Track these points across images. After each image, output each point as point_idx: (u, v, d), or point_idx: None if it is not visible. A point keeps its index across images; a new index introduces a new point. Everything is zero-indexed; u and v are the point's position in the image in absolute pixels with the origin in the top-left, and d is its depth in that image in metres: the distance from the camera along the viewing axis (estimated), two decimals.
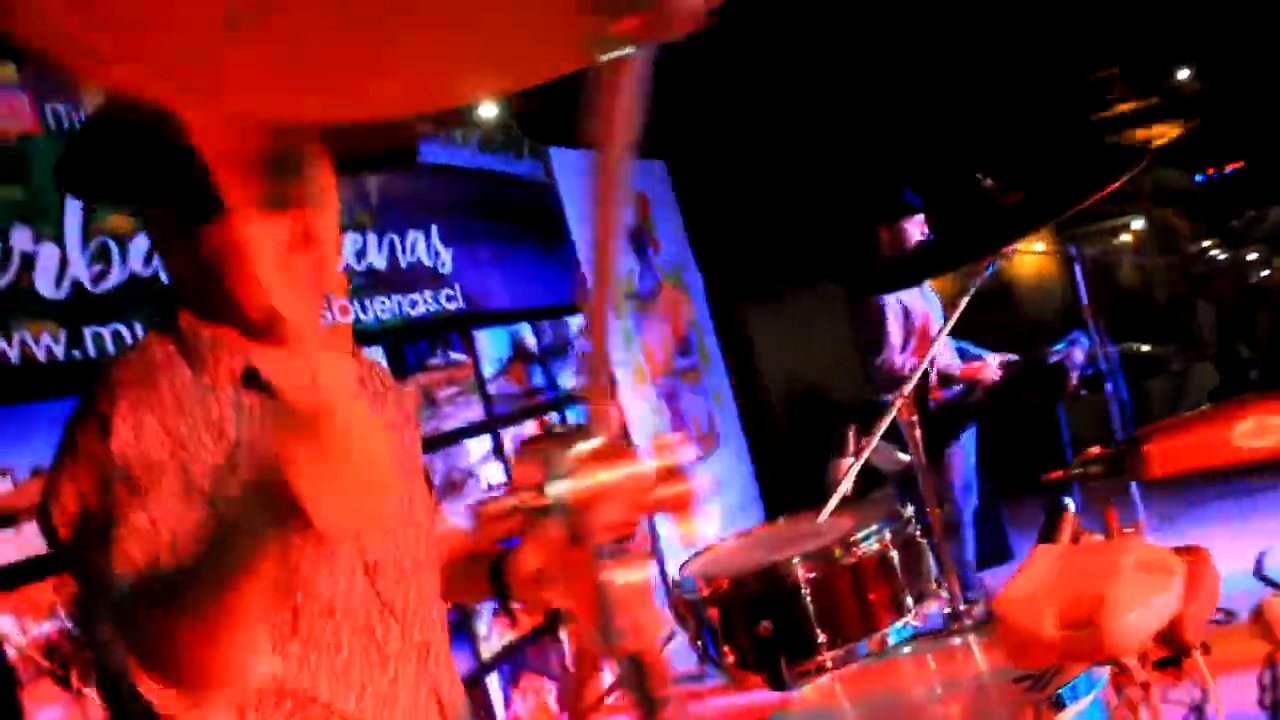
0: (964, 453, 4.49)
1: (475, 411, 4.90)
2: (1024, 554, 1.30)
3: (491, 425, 4.95)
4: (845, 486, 2.02)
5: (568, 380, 5.63)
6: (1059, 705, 1.45)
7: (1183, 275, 11.14)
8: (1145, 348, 8.89)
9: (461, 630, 4.30)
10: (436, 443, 4.57)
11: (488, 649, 4.44)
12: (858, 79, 6.73)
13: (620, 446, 0.60)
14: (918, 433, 2.03)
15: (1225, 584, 1.39)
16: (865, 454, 2.08)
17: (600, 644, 0.60)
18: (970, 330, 4.46)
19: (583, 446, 0.60)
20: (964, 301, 2.05)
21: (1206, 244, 10.84)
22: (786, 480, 6.96)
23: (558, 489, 0.59)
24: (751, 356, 8.27)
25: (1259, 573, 2.87)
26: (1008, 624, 1.07)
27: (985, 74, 7.18)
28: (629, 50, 0.51)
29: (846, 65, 6.57)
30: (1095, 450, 1.52)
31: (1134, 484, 4.33)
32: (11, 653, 2.87)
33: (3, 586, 2.95)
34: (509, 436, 5.05)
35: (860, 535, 2.02)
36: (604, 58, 0.51)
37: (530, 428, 5.20)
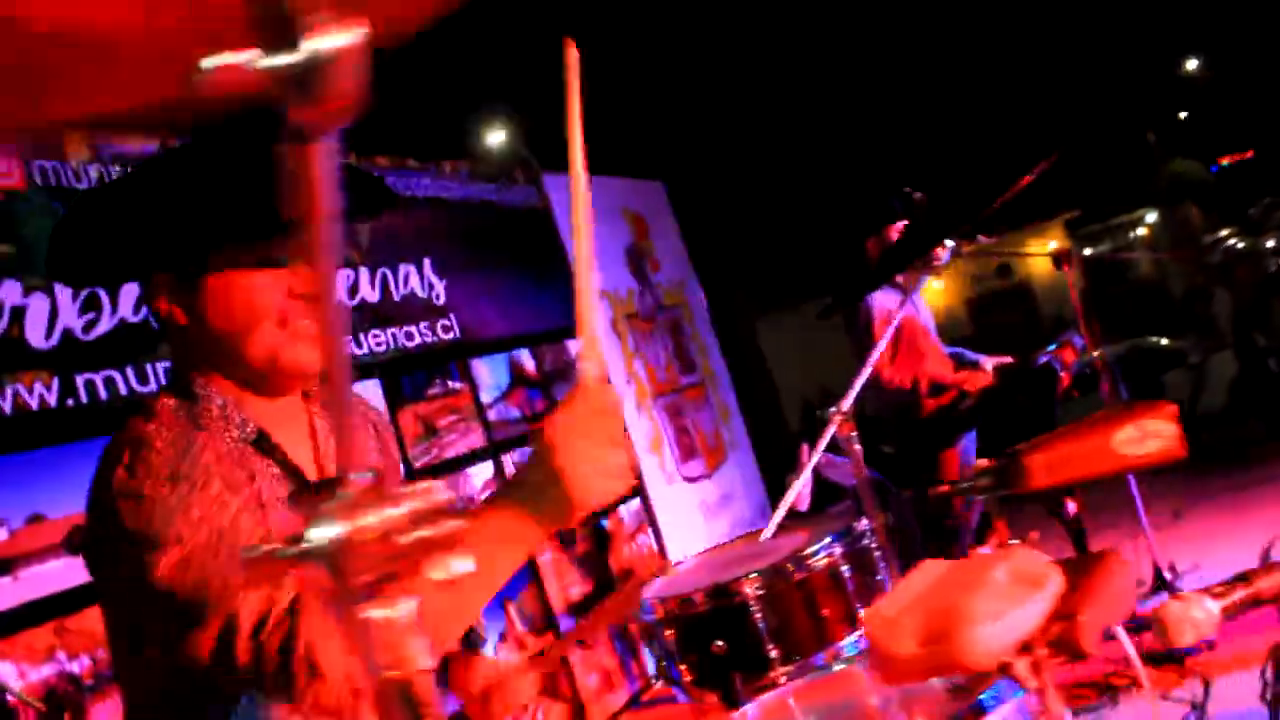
0: (961, 459, 4.48)
1: (476, 439, 4.95)
2: None
3: (493, 451, 5.00)
4: (790, 501, 2.04)
5: None
6: (980, 712, 1.46)
7: (1199, 266, 11.04)
8: (1163, 341, 8.81)
9: None
10: (438, 470, 4.62)
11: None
12: (845, 93, 6.75)
13: (381, 492, 0.64)
14: (857, 447, 2.04)
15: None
16: (808, 470, 2.09)
17: (366, 675, 0.63)
18: (988, 332, 4.46)
19: (341, 494, 0.63)
20: (900, 313, 2.06)
21: (1224, 233, 10.74)
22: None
23: (315, 535, 0.62)
24: (764, 370, 8.28)
25: (1264, 563, 2.85)
26: (873, 641, 1.08)
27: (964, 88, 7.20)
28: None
29: (835, 81, 6.60)
30: (982, 464, 1.53)
31: (1133, 481, 4.31)
32: (9, 698, 2.93)
33: (1, 633, 3.02)
34: (511, 462, 5.10)
35: (810, 550, 2.04)
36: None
37: None
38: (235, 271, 1.36)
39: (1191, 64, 10.66)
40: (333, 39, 0.52)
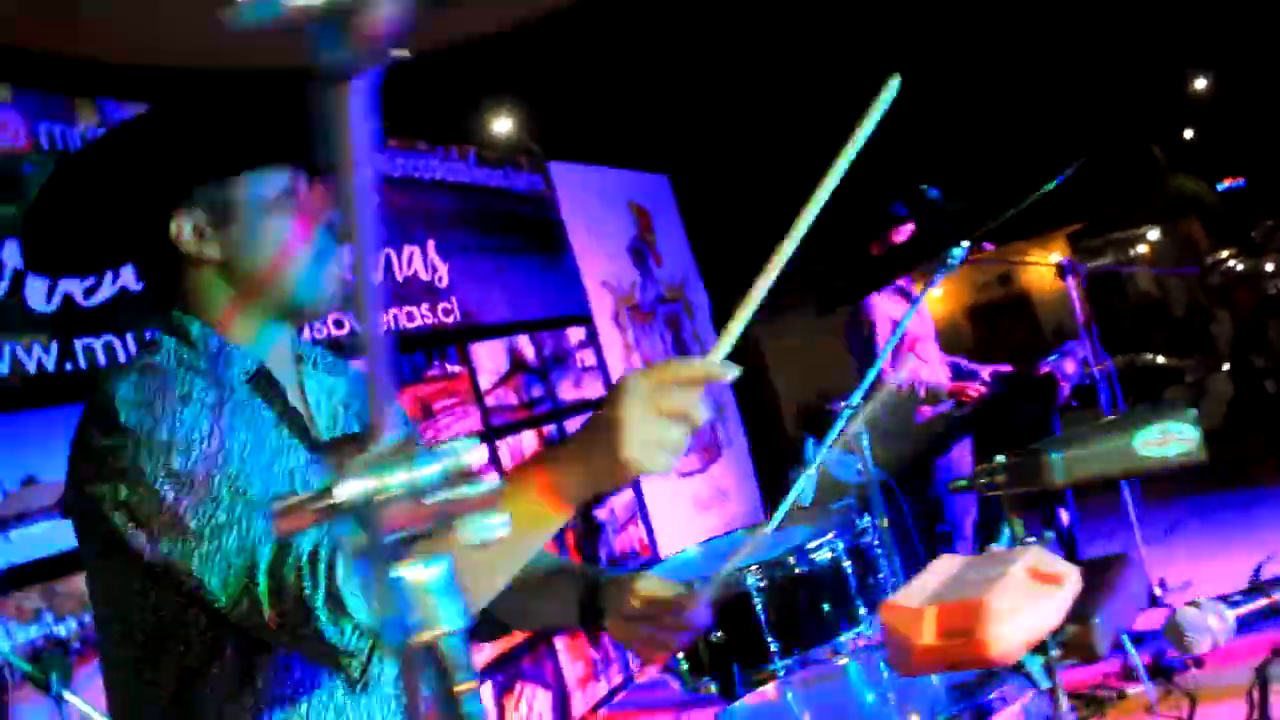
0: (956, 467, 4.48)
1: (473, 422, 4.93)
2: None
3: (489, 436, 4.98)
4: (797, 496, 2.02)
5: (567, 391, 5.66)
6: (984, 713, 1.45)
7: (1200, 286, 11.05)
8: (1160, 359, 8.82)
9: None
10: None
11: (479, 658, 4.46)
12: (851, 95, 6.73)
13: (411, 449, 0.62)
14: (865, 444, 2.03)
15: None
16: (815, 464, 2.08)
17: (394, 638, 0.62)
18: (987, 342, 4.45)
19: (374, 449, 0.61)
20: (908, 315, 2.05)
21: (1224, 254, 10.73)
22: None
23: (347, 490, 0.60)
24: (762, 369, 8.27)
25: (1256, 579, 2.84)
26: (892, 632, 1.07)
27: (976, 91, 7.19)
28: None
29: (841, 82, 6.58)
30: (1000, 459, 1.52)
31: (1128, 497, 4.30)
32: None
33: None
34: (506, 448, 5.08)
35: (814, 545, 2.03)
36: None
37: (529, 439, 5.23)
38: (271, 204, 1.35)
39: (1200, 83, 10.66)
40: None
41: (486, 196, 5.51)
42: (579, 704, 4.99)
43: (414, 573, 0.61)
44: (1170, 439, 1.37)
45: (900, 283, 4.53)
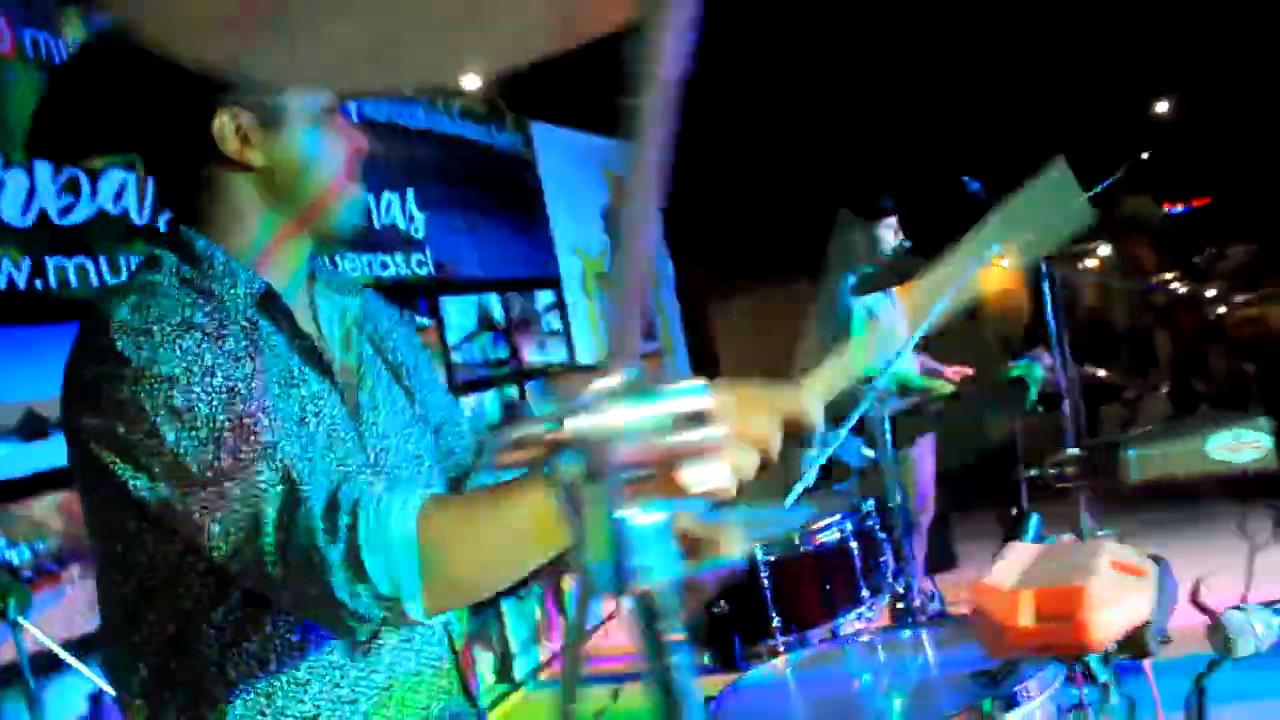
0: (919, 461, 4.52)
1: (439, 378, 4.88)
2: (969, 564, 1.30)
3: (455, 392, 4.93)
4: (809, 478, 2.02)
5: (531, 354, 5.62)
6: (1011, 704, 1.46)
7: (1144, 305, 11.27)
8: (1101, 372, 8.98)
9: None
10: None
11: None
12: (844, 82, 6.75)
13: (646, 386, 0.59)
14: (885, 429, 2.04)
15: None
16: (832, 445, 2.08)
17: (609, 584, 0.59)
18: (933, 345, 4.49)
19: (607, 382, 0.59)
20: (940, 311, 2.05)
21: (1169, 276, 10.97)
22: None
23: (578, 422, 0.58)
24: (711, 349, 8.30)
25: (1194, 599, 2.91)
26: (985, 613, 1.07)
27: (969, 79, 7.24)
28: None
29: (835, 67, 6.59)
30: (1071, 452, 1.52)
31: (1082, 502, 4.38)
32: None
33: None
34: (469, 406, 5.03)
35: (821, 525, 2.04)
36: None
37: (491, 398, 5.18)
38: (320, 119, 1.30)
39: (1162, 106, 10.86)
40: None
41: (468, 151, 5.43)
42: (520, 668, 4.98)
43: (634, 516, 0.59)
44: (1244, 446, 1.38)
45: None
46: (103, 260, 3.51)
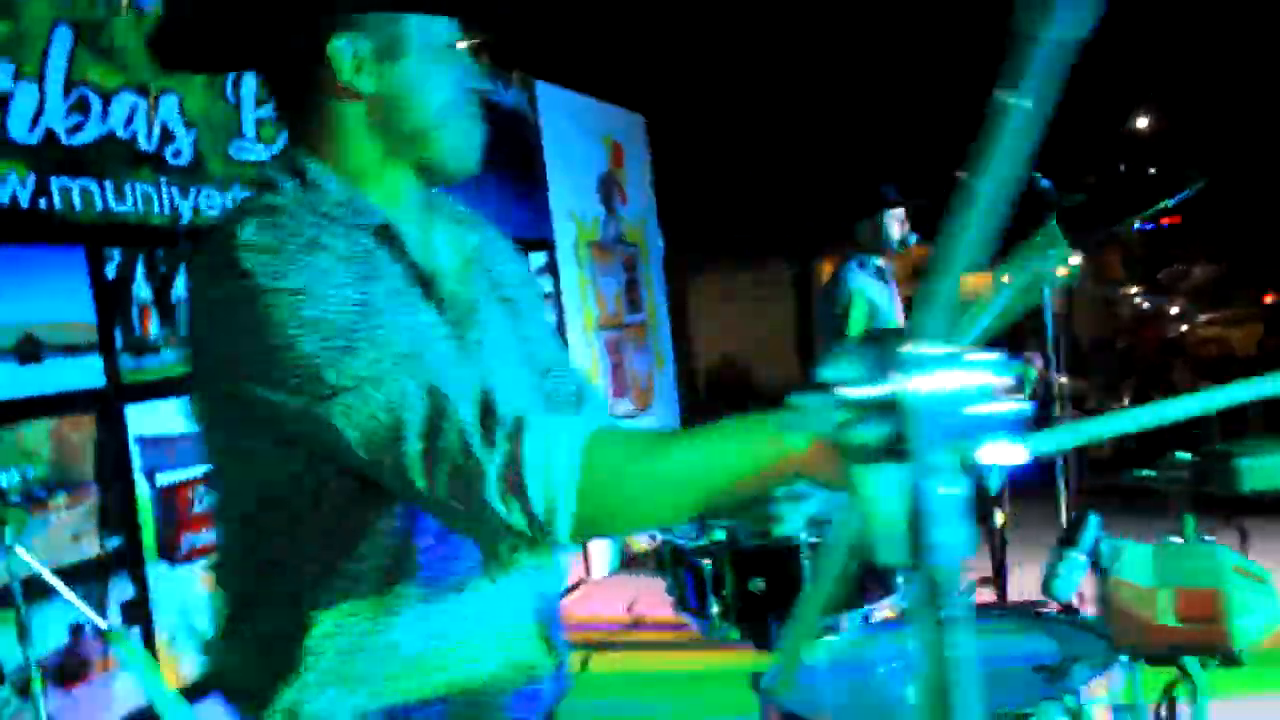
0: None
1: None
2: None
3: None
4: None
5: None
6: (1075, 700, 1.46)
7: (1109, 318, 11.43)
8: (1064, 379, 9.08)
9: None
10: None
11: None
12: (852, 74, 6.75)
13: (965, 353, 0.57)
14: None
15: None
16: None
17: (895, 557, 0.57)
18: None
19: (921, 345, 0.56)
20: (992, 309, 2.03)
21: (1133, 290, 11.13)
22: None
23: (894, 384, 0.55)
24: (685, 325, 8.30)
25: None
26: (1124, 610, 1.07)
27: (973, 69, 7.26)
28: None
29: (842, 57, 6.58)
30: (1182, 456, 1.52)
31: (1062, 502, 4.41)
32: None
33: None
34: None
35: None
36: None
37: None
38: (440, 52, 1.26)
39: (1141, 121, 10.98)
40: None
41: None
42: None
43: (941, 486, 0.57)
44: None
45: (880, 263, 4.55)
46: (108, 185, 3.41)
